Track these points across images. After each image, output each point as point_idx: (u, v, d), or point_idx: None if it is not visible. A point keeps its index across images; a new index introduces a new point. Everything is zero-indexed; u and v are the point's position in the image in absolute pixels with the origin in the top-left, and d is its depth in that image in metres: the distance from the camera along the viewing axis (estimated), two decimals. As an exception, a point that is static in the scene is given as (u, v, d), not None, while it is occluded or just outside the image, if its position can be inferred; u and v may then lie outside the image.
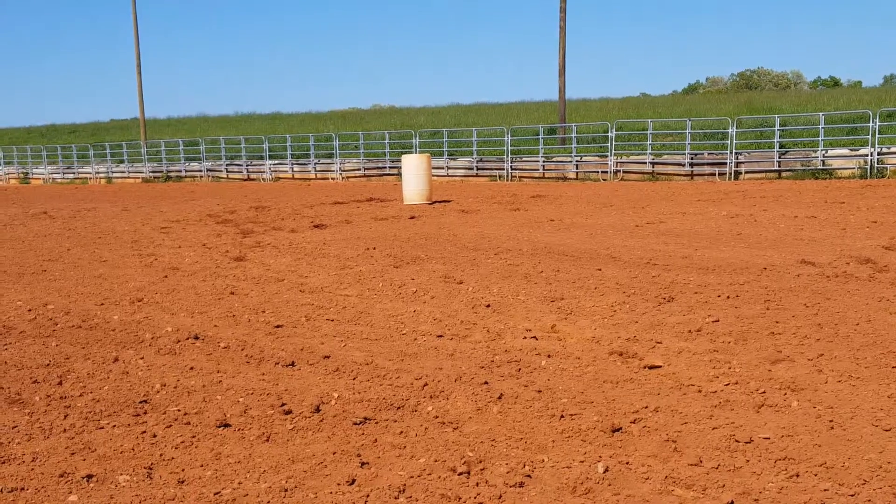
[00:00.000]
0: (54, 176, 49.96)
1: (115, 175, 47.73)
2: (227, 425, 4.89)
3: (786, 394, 5.27)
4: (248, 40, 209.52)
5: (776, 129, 29.03)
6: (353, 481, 4.06)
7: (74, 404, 5.37)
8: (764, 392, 5.31)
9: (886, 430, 4.56)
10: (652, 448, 4.41)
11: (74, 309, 8.42)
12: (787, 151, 28.95)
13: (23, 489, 4.04)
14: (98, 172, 48.15)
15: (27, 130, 65.92)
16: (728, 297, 8.12)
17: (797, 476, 4.02)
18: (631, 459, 4.27)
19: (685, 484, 3.98)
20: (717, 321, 7.19)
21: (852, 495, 3.81)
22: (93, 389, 5.69)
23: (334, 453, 4.42)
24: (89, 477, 4.15)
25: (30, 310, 8.39)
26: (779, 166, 28.68)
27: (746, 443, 4.43)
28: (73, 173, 49.47)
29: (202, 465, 4.31)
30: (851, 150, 27.84)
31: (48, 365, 6.32)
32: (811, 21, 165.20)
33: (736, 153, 29.33)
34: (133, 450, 4.52)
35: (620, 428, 4.69)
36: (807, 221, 14.45)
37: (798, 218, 15.00)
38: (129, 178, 47.03)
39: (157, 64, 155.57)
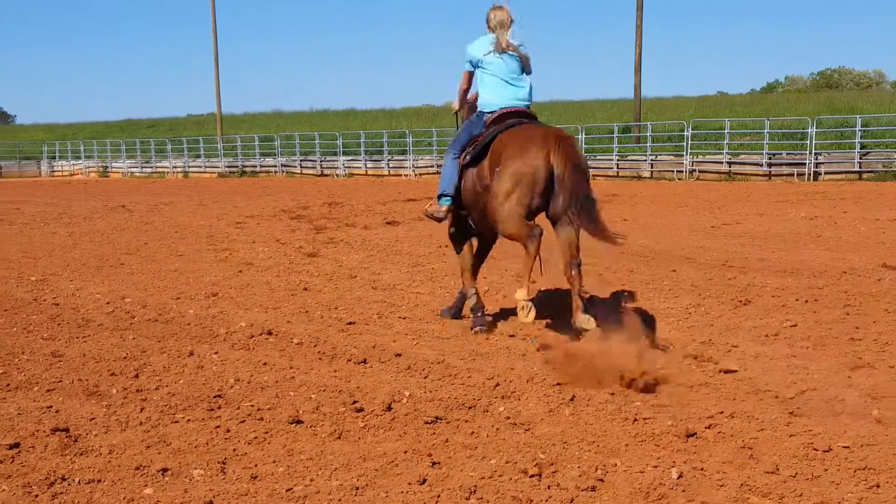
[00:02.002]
0: (132, 170, 50.71)
1: (191, 169, 48.33)
2: (299, 422, 4.92)
3: (866, 401, 5.16)
4: (323, 38, 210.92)
5: (857, 129, 28.50)
6: (424, 481, 4.06)
7: (150, 397, 5.43)
8: (843, 399, 5.20)
9: (970, 442, 4.45)
10: (727, 454, 4.34)
11: (151, 302, 8.53)
12: (868, 152, 28.42)
13: (99, 481, 4.09)
14: (175, 167, 48.77)
15: (106, 125, 66.89)
16: (806, 302, 7.98)
17: (877, 487, 3.94)
18: (705, 466, 4.21)
19: (761, 492, 3.91)
20: (795, 326, 7.07)
21: (935, 508, 3.72)
22: (168, 383, 5.76)
23: (405, 452, 4.42)
24: (164, 470, 4.20)
25: (108, 303, 8.52)
26: (859, 167, 28.16)
27: (825, 451, 4.34)
28: (151, 167, 50.18)
29: (275, 461, 4.33)
30: (935, 151, 27.29)
31: (125, 358, 6.41)
32: (894, 19, 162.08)
33: (815, 153, 28.86)
34: (207, 444, 4.56)
35: (695, 433, 4.63)
36: (889, 224, 14.16)
37: (879, 220, 14.71)
38: (205, 172, 47.58)
39: (234, 60, 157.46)
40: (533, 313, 6.52)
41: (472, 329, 7.32)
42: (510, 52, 7.17)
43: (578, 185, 6.57)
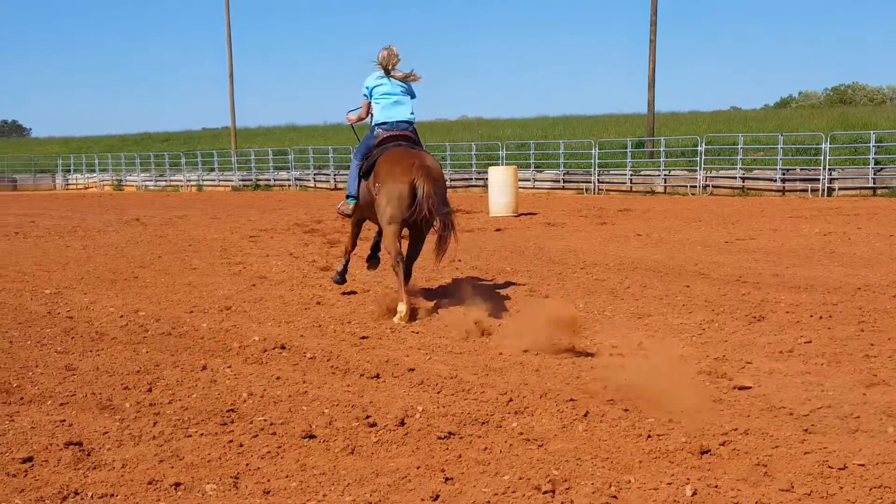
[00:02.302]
0: (147, 183, 50.86)
1: (205, 183, 48.45)
2: (312, 436, 4.92)
3: (881, 419, 5.13)
4: (337, 51, 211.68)
5: (871, 145, 28.40)
6: (437, 497, 4.05)
7: (163, 411, 5.44)
8: (858, 417, 5.18)
9: None
10: (742, 471, 4.32)
11: (164, 316, 8.55)
12: (882, 168, 28.33)
13: (112, 496, 4.10)
14: (189, 180, 48.92)
15: (121, 138, 67.10)
16: (821, 318, 7.96)
17: (893, 505, 3.92)
18: (720, 483, 4.19)
19: (776, 510, 3.89)
20: (810, 342, 7.05)
21: (951, 527, 3.70)
22: (181, 397, 5.76)
23: (418, 468, 4.42)
24: (177, 485, 4.20)
25: (121, 316, 8.55)
26: (874, 183, 28.07)
27: (840, 469, 4.32)
28: (165, 181, 50.32)
29: (287, 476, 4.33)
30: (950, 166, 27.19)
31: (138, 371, 6.42)
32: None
33: (829, 169, 28.78)
34: (220, 459, 4.57)
35: (709, 450, 4.61)
36: (903, 240, 14.11)
37: (894, 237, 14.65)
38: (219, 186, 47.69)
39: (248, 74, 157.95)
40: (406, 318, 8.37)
41: (334, 280, 10.06)
42: (396, 80, 9.22)
43: (436, 204, 8.27)
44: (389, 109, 9.19)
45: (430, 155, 9.18)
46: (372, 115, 9.46)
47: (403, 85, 9.27)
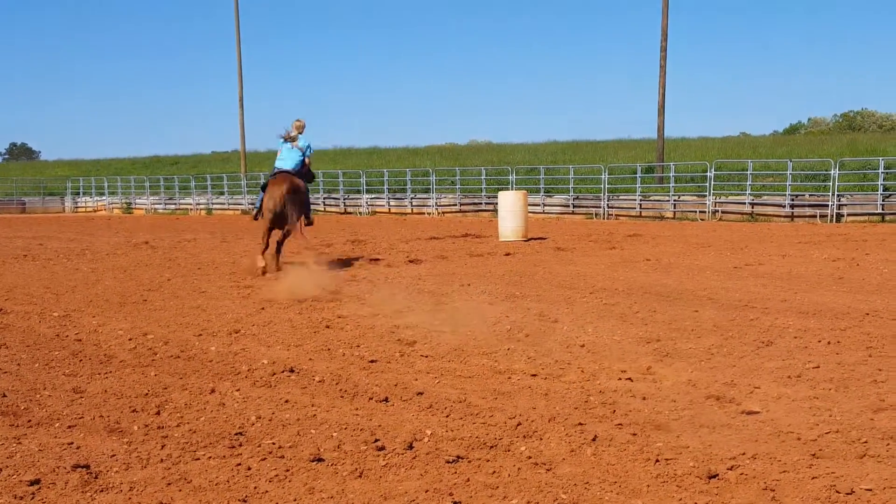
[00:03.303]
0: (156, 206, 51.06)
1: (214, 206, 48.61)
2: (320, 460, 4.92)
3: (888, 444, 5.12)
4: (346, 76, 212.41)
5: (880, 171, 28.42)
6: (445, 520, 4.04)
7: (171, 434, 5.45)
8: (866, 442, 5.16)
9: None
10: (749, 496, 4.32)
11: (173, 339, 8.57)
12: (891, 195, 28.33)
13: (120, 517, 4.10)
14: (198, 204, 49.08)
15: (131, 161, 67.44)
16: (829, 343, 7.94)
17: (901, 531, 3.90)
18: (727, 507, 4.18)
19: (784, 535, 3.88)
20: (818, 367, 7.03)
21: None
22: (189, 420, 5.77)
23: (426, 491, 4.41)
24: (185, 507, 4.20)
25: (130, 339, 8.56)
26: (882, 209, 28.07)
27: (847, 494, 4.31)
28: (175, 204, 50.52)
29: (295, 500, 4.33)
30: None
31: (146, 394, 6.43)
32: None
33: (838, 195, 28.79)
34: (228, 482, 4.57)
35: (717, 474, 4.60)
36: (912, 266, 14.08)
37: (903, 262, 14.64)
38: (228, 209, 47.84)
39: (258, 97, 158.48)
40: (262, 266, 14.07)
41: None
42: (290, 145, 14.60)
43: (290, 213, 13.82)
44: (279, 161, 14.60)
45: (290, 180, 14.13)
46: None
47: (293, 148, 14.65)
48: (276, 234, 14.15)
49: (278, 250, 14.27)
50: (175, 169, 59.82)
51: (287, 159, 14.37)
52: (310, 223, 14.81)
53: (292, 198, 13.67)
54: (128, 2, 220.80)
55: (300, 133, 14.57)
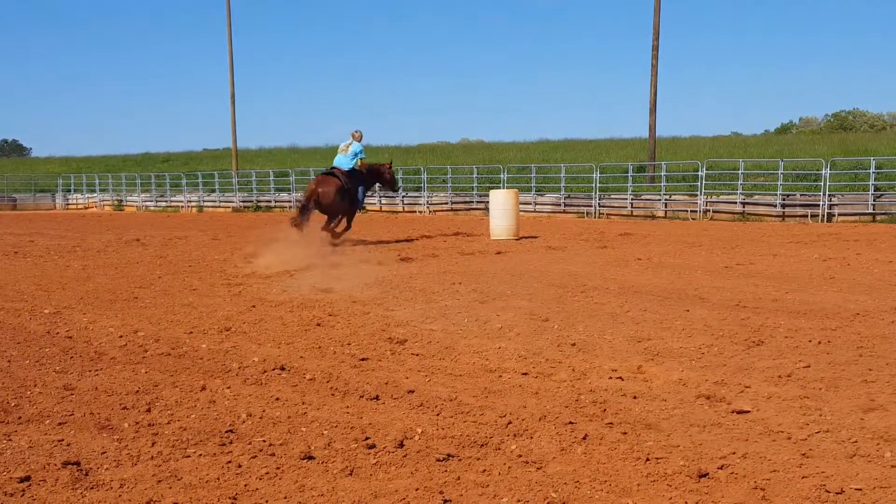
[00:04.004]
0: (147, 203, 50.91)
1: (206, 204, 48.49)
2: (311, 458, 4.92)
3: (879, 444, 5.14)
4: (339, 73, 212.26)
5: (871, 171, 28.46)
6: (435, 519, 4.05)
7: (162, 432, 5.44)
8: (856, 441, 5.18)
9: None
10: (739, 496, 4.33)
11: (164, 336, 8.56)
12: (882, 194, 28.38)
13: (110, 514, 4.09)
14: (190, 201, 48.96)
15: (123, 158, 67.22)
16: (819, 343, 7.96)
17: (890, 530, 3.91)
18: (717, 506, 4.19)
19: (773, 534, 3.89)
20: (808, 367, 7.05)
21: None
22: (180, 417, 5.77)
23: (417, 490, 4.42)
24: (175, 504, 4.20)
25: (121, 336, 8.55)
26: (873, 209, 28.10)
27: (837, 493, 4.32)
28: (166, 201, 50.38)
29: (286, 497, 4.33)
30: (950, 194, 27.24)
31: (137, 392, 6.43)
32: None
33: (829, 195, 28.84)
34: (218, 479, 4.57)
35: (707, 473, 4.61)
36: (902, 266, 14.12)
37: (893, 263, 14.66)
38: (219, 207, 47.73)
39: (250, 95, 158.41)
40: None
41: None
42: (344, 152, 19.62)
43: (318, 204, 18.83)
44: (335, 160, 19.93)
45: (328, 180, 19.36)
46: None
47: (346, 154, 19.80)
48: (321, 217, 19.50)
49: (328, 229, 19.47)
50: (166, 166, 59.66)
51: (341, 160, 19.67)
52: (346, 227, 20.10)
53: (317, 197, 18.97)
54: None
55: (356, 141, 19.75)
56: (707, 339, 8.20)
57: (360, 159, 19.72)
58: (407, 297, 11.04)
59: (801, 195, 29.74)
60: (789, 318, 9.23)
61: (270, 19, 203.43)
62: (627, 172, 34.50)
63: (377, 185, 22.00)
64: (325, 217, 19.27)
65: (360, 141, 19.89)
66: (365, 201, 21.89)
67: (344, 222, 19.87)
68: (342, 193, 19.15)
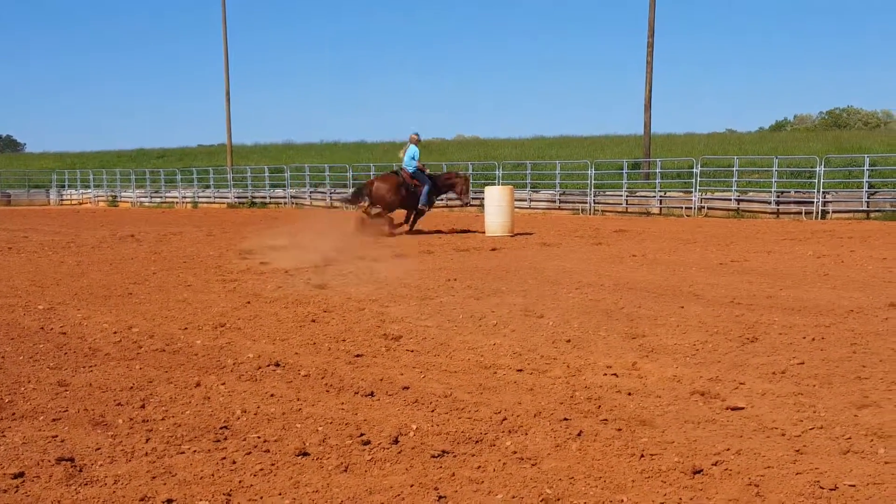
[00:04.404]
0: (142, 199, 50.85)
1: (200, 200, 48.45)
2: (305, 454, 4.91)
3: (872, 440, 5.14)
4: (334, 69, 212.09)
5: (865, 168, 28.52)
6: (430, 515, 4.05)
7: (156, 428, 5.44)
8: (850, 438, 5.19)
9: (978, 482, 4.43)
10: (734, 492, 4.33)
11: (158, 333, 8.55)
12: (876, 192, 28.44)
13: (104, 511, 4.09)
14: (185, 197, 48.92)
15: (117, 154, 67.14)
16: (813, 339, 7.97)
17: (884, 526, 3.92)
18: (712, 502, 4.20)
19: (767, 530, 3.89)
20: (802, 363, 7.06)
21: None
22: (174, 414, 5.76)
23: (412, 486, 4.42)
24: (169, 501, 4.20)
25: (115, 332, 8.54)
26: (867, 206, 28.19)
27: (831, 489, 4.33)
28: (161, 197, 50.33)
29: (280, 494, 4.33)
30: (944, 190, 27.30)
31: (131, 388, 6.42)
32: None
33: (823, 192, 28.88)
34: (213, 476, 4.56)
35: (701, 470, 4.62)
36: (896, 263, 14.15)
37: (887, 260, 14.69)
38: (214, 203, 47.71)
39: (245, 91, 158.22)
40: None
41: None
42: (406, 152, 22.01)
43: (370, 195, 21.89)
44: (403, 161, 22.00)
45: (386, 177, 22.23)
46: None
47: (408, 154, 21.93)
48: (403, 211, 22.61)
49: (404, 222, 22.57)
50: (161, 162, 59.63)
51: (405, 162, 21.97)
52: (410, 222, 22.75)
53: (370, 189, 22.00)
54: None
55: (412, 144, 21.93)
56: (701, 336, 8.21)
57: (416, 160, 21.94)
58: (402, 294, 11.04)
59: (795, 192, 29.82)
60: (783, 314, 9.24)
61: (266, 15, 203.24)
62: (622, 169, 34.57)
63: (450, 192, 23.49)
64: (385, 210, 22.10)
65: (415, 143, 22.04)
66: (430, 203, 22.86)
67: (411, 218, 22.68)
68: (397, 190, 21.60)
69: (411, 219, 22.69)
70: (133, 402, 6.02)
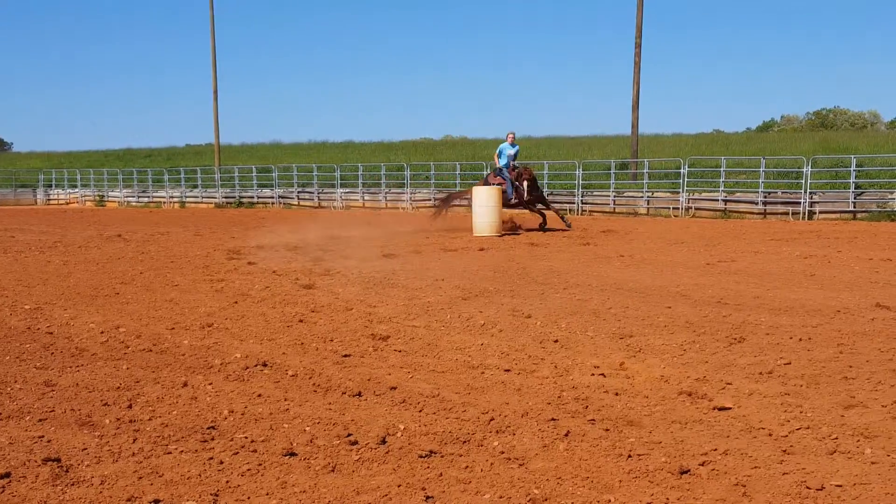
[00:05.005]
0: (129, 199, 50.67)
1: (188, 199, 48.31)
2: (293, 454, 4.91)
3: (859, 440, 5.16)
4: (322, 70, 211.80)
5: (852, 169, 28.58)
6: (418, 515, 4.05)
7: (143, 428, 5.43)
8: (836, 438, 5.21)
9: (964, 482, 4.44)
10: (721, 492, 4.34)
11: (145, 332, 8.53)
12: (862, 192, 28.51)
13: (91, 511, 4.08)
14: (172, 197, 48.79)
15: (104, 154, 66.93)
16: (800, 340, 7.99)
17: (870, 526, 3.93)
18: (699, 502, 4.21)
19: (754, 530, 3.90)
20: (789, 364, 7.08)
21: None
22: (162, 414, 5.75)
23: (399, 486, 4.42)
24: (156, 501, 4.19)
25: (102, 332, 8.52)
26: (854, 207, 28.25)
27: (818, 490, 4.34)
28: (148, 197, 50.17)
29: (268, 494, 4.32)
30: (930, 192, 27.38)
31: (118, 388, 6.40)
32: (889, 61, 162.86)
33: (810, 193, 28.95)
34: (200, 476, 4.55)
35: (689, 470, 4.63)
36: (882, 264, 14.19)
37: (873, 260, 14.74)
38: (202, 202, 47.58)
39: (233, 91, 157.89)
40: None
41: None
42: (507, 150, 23.63)
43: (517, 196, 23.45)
44: (501, 161, 23.60)
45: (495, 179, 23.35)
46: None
47: (507, 153, 23.60)
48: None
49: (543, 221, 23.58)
50: (148, 161, 59.47)
51: (504, 158, 23.64)
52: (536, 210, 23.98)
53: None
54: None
55: (507, 142, 23.83)
56: (689, 336, 8.23)
57: (512, 160, 23.85)
58: (390, 294, 11.03)
59: (782, 193, 29.85)
60: (770, 315, 9.27)
61: (253, 15, 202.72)
62: (610, 169, 34.55)
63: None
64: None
65: (510, 142, 23.93)
66: (512, 200, 23.65)
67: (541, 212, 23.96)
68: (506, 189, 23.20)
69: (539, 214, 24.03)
70: (120, 403, 6.00)
